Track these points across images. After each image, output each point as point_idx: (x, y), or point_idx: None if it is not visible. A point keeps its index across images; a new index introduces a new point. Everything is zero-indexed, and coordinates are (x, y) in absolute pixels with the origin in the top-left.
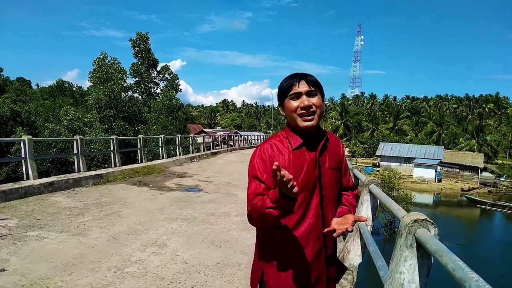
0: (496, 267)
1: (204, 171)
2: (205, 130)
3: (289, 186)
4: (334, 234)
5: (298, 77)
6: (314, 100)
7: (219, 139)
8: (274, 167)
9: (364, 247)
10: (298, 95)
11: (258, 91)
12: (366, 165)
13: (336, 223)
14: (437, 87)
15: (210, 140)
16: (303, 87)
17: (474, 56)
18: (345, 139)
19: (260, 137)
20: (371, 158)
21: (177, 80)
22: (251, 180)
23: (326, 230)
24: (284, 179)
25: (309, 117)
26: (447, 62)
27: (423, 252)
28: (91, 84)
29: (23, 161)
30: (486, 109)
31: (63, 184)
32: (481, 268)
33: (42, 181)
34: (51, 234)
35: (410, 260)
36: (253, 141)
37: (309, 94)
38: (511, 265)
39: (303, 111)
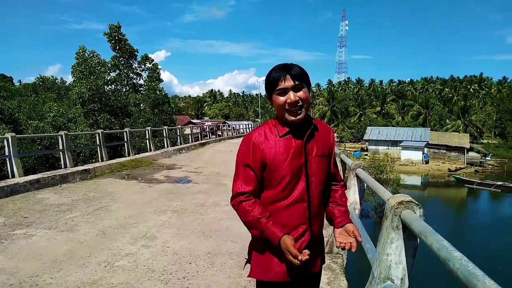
0: (485, 246)
1: (193, 162)
2: (193, 121)
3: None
4: (341, 246)
5: (284, 71)
6: (300, 94)
7: (207, 130)
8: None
9: None
10: (284, 91)
11: (245, 80)
12: (354, 150)
13: (339, 235)
14: (422, 70)
15: (198, 130)
16: (288, 82)
17: (458, 38)
18: (332, 124)
19: (248, 126)
20: (359, 143)
21: (158, 70)
22: (240, 166)
23: (337, 246)
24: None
25: (297, 112)
26: (432, 45)
27: (409, 233)
28: (74, 78)
29: (7, 159)
30: (471, 90)
31: (49, 181)
32: (467, 247)
33: (28, 179)
34: (39, 231)
35: (397, 242)
36: (241, 130)
37: (295, 88)
38: (498, 243)
39: (290, 106)
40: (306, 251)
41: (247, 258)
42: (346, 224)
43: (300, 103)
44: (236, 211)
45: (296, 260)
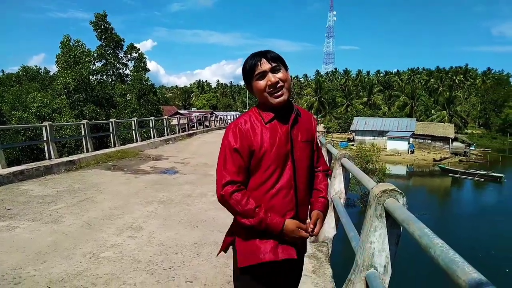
0: (467, 234)
1: (180, 153)
2: (180, 111)
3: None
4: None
5: (258, 56)
6: (280, 75)
7: (195, 120)
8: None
9: (338, 219)
10: (263, 74)
11: (232, 70)
12: (341, 140)
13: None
14: (409, 60)
15: (185, 121)
16: (265, 65)
17: (444, 29)
18: (320, 115)
19: (236, 116)
20: (346, 133)
21: (144, 59)
22: (228, 154)
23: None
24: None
25: (279, 93)
26: (418, 36)
27: (392, 222)
28: (59, 68)
29: None
30: (456, 80)
31: (34, 172)
32: (450, 235)
33: (12, 170)
34: (23, 223)
35: (380, 230)
36: (229, 121)
37: (273, 70)
38: (480, 232)
39: (271, 88)
40: (309, 223)
41: (221, 247)
42: (314, 210)
43: (281, 84)
44: (225, 202)
45: (307, 233)
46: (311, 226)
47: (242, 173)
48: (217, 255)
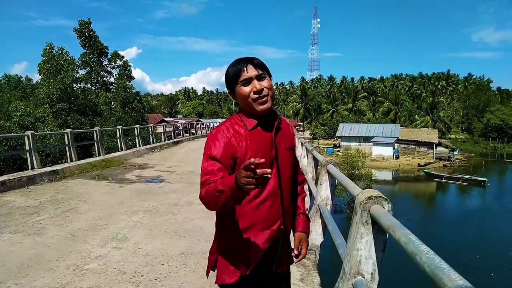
0: (452, 239)
1: (165, 161)
2: (166, 119)
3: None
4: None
5: (245, 62)
6: (265, 83)
7: (181, 128)
8: (251, 160)
9: (325, 226)
10: (248, 80)
11: (218, 77)
12: (327, 146)
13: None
14: (392, 67)
15: (171, 129)
16: (251, 71)
17: (426, 35)
18: (306, 122)
19: None
20: (332, 139)
21: (129, 67)
22: (206, 160)
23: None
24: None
25: (263, 100)
26: (401, 42)
27: (378, 228)
28: (41, 77)
29: None
30: (439, 86)
31: (16, 183)
32: (436, 241)
33: None
34: (4, 235)
35: (366, 237)
36: None
37: (258, 78)
38: (464, 236)
39: (256, 95)
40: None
41: (208, 265)
42: (296, 233)
43: (266, 92)
44: (203, 200)
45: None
46: (295, 252)
47: (222, 174)
48: (207, 277)
